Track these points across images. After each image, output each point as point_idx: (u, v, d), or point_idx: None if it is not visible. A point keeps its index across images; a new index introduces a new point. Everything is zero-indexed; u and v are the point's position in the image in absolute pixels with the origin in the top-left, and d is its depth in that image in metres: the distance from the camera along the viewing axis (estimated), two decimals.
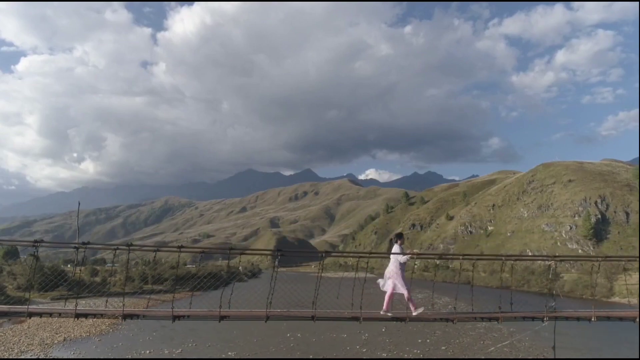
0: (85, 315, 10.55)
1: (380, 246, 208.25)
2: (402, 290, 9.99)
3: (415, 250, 11.27)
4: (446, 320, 10.76)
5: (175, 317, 10.17)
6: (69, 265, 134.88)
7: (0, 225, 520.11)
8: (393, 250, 10.21)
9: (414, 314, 9.79)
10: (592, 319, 10.51)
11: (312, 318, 9.64)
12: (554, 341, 11.46)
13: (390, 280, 10.08)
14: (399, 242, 10.53)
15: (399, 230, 10.31)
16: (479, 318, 10.99)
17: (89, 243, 10.40)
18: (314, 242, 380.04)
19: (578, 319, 10.57)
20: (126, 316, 10.56)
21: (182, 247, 10.90)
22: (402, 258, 10.06)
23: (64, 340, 26.08)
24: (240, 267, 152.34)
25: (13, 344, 25.07)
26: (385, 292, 10.13)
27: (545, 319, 9.95)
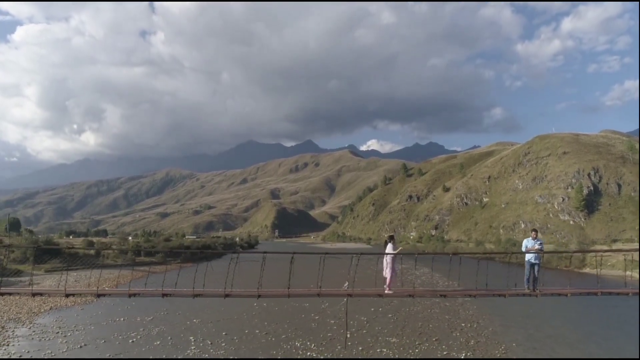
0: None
1: (378, 217, 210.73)
2: (392, 274, 12.77)
3: (400, 248, 14.09)
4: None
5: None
6: (71, 237, 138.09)
7: (3, 197, 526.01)
8: (387, 249, 13.00)
9: (387, 291, 12.72)
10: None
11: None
12: (346, 317, 13.20)
13: (387, 269, 12.81)
14: (391, 242, 13.24)
15: (391, 233, 14.07)
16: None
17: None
18: (313, 213, 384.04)
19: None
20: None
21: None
22: (393, 253, 12.98)
23: (50, 309, 27.77)
24: (237, 239, 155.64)
25: (3, 313, 26.74)
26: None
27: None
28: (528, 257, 13.03)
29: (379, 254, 12.63)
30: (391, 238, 13.49)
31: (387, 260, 12.98)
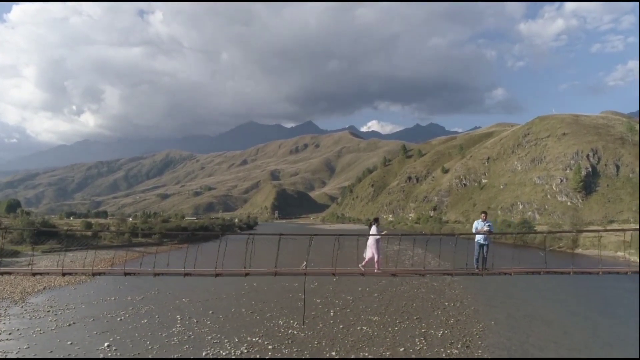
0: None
1: (377, 198, 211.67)
2: (376, 255, 13.23)
3: (384, 232, 14.43)
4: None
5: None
6: (71, 218, 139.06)
7: (4, 178, 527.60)
8: (371, 231, 13.37)
9: (376, 271, 13.31)
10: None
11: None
12: (304, 294, 13.44)
13: (369, 249, 13.25)
14: (376, 224, 13.59)
15: (376, 216, 14.81)
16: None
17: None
18: (313, 194, 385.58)
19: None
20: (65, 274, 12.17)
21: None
22: (377, 236, 13.46)
23: (44, 288, 28.24)
24: (236, 220, 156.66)
25: None
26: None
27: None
28: (477, 238, 13.45)
29: (335, 235, 12.82)
30: (376, 220, 13.99)
31: (369, 242, 13.43)
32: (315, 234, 11.88)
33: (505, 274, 13.06)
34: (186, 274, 11.34)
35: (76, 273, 12.37)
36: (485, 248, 13.23)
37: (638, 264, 33.79)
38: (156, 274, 11.16)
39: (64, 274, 11.47)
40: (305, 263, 11.33)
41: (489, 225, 13.50)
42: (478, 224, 13.66)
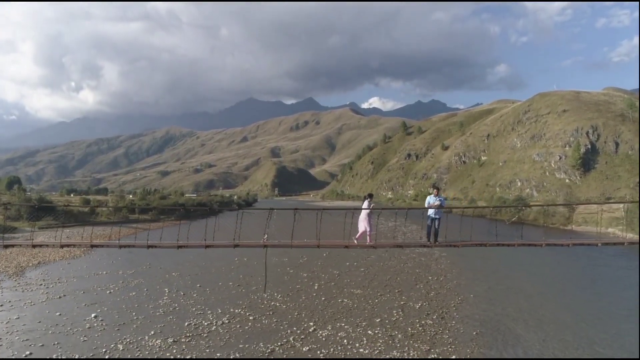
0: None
1: (376, 176, 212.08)
2: (368, 228, 13.79)
3: (373, 205, 14.69)
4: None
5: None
6: (71, 195, 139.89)
7: (4, 155, 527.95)
8: (364, 205, 13.90)
9: (369, 242, 13.95)
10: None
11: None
12: (265, 266, 13.94)
13: (362, 223, 13.80)
14: (369, 199, 14.18)
15: (370, 192, 15.34)
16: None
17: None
18: (314, 171, 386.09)
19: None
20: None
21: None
22: (368, 210, 13.99)
23: (39, 263, 28.82)
24: (235, 197, 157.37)
25: None
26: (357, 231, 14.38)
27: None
28: (430, 212, 13.77)
29: (292, 209, 13.01)
30: (370, 196, 14.49)
31: (361, 216, 13.95)
32: (272, 208, 12.16)
33: (453, 246, 13.62)
34: (149, 246, 11.73)
35: (46, 246, 12.75)
36: (437, 222, 13.62)
37: (625, 236, 34.19)
38: (121, 247, 11.55)
39: (34, 246, 11.85)
40: (266, 235, 11.66)
41: (440, 200, 13.87)
42: (430, 199, 14.04)
